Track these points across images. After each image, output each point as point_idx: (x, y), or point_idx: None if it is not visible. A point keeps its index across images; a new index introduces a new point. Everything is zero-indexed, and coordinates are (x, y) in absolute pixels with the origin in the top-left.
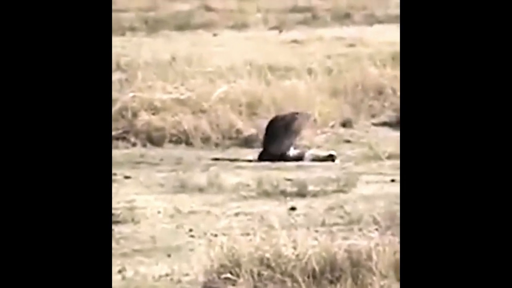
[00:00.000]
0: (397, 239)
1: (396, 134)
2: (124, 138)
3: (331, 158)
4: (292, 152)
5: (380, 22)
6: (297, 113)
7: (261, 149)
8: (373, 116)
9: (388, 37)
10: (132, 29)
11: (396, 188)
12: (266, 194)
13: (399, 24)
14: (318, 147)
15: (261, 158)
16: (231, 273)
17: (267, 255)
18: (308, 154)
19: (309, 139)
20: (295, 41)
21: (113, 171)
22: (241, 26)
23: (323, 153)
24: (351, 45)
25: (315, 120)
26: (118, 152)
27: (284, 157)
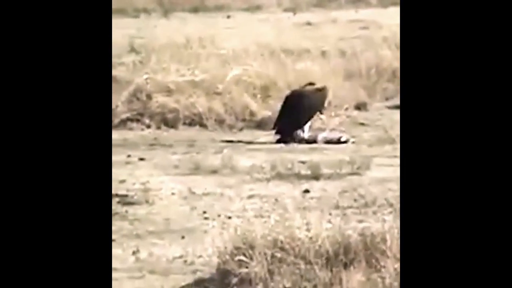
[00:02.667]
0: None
1: None
2: (138, 120)
3: (344, 141)
4: (306, 134)
5: (395, 4)
6: (315, 89)
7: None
8: (387, 99)
9: None
10: (146, 11)
11: None
12: (280, 177)
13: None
14: (332, 129)
15: (278, 132)
16: (244, 255)
17: (281, 237)
18: (321, 136)
19: (323, 122)
20: (309, 23)
21: (128, 152)
22: (255, 8)
23: (336, 135)
24: (365, 28)
25: (329, 103)
26: (133, 134)
27: (297, 139)
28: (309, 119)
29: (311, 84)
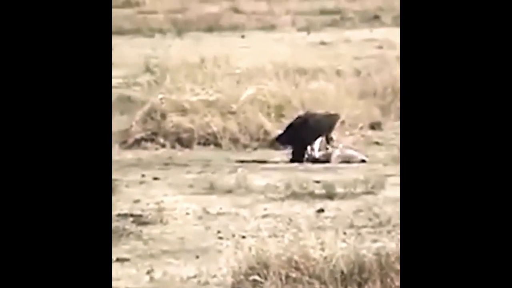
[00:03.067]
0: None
1: None
2: (153, 140)
3: (362, 160)
4: (317, 153)
5: None
6: (326, 114)
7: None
8: None
9: None
10: (161, 30)
11: None
12: (294, 196)
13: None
14: (347, 147)
15: (281, 143)
16: (259, 275)
17: (295, 257)
18: (336, 155)
19: (338, 141)
20: (323, 42)
21: (142, 172)
22: (270, 27)
23: (352, 154)
24: (380, 47)
25: (343, 122)
26: (147, 154)
27: (311, 159)
28: (315, 139)
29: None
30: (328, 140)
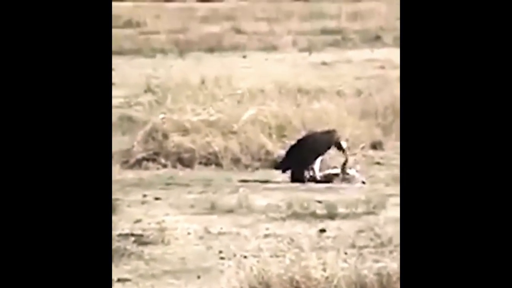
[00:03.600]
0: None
1: None
2: (154, 160)
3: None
4: (317, 174)
5: None
6: (324, 132)
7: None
8: None
9: None
10: (163, 51)
11: None
12: (296, 216)
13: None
14: (348, 168)
15: (284, 171)
16: None
17: (297, 277)
18: (337, 176)
19: (339, 161)
20: (324, 63)
21: (144, 192)
22: (271, 48)
23: (351, 173)
24: (381, 67)
25: (347, 140)
26: (149, 173)
27: (312, 179)
28: (315, 159)
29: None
30: (341, 149)
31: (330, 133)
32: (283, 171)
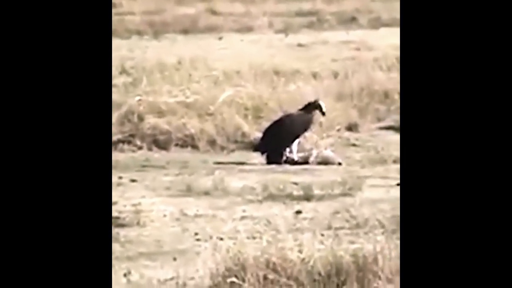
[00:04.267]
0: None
1: None
2: (130, 142)
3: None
4: (295, 155)
5: (386, 25)
6: (301, 113)
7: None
8: (379, 120)
9: (394, 40)
10: (138, 32)
11: None
12: (272, 198)
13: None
14: (324, 149)
15: (262, 153)
16: (236, 276)
17: (273, 258)
18: (313, 157)
19: (314, 143)
20: (300, 44)
21: (119, 174)
22: (247, 29)
23: (327, 154)
24: (357, 49)
25: (321, 124)
26: (124, 156)
27: (288, 160)
28: (292, 141)
29: (310, 104)
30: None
31: (308, 113)
32: (262, 153)
